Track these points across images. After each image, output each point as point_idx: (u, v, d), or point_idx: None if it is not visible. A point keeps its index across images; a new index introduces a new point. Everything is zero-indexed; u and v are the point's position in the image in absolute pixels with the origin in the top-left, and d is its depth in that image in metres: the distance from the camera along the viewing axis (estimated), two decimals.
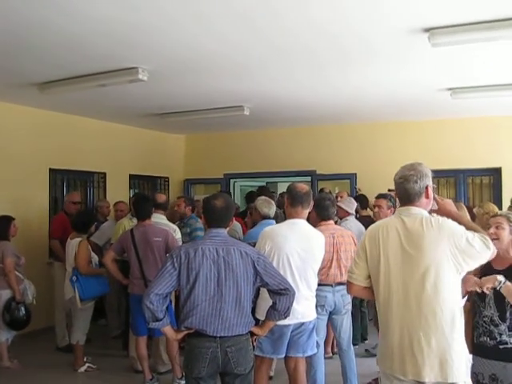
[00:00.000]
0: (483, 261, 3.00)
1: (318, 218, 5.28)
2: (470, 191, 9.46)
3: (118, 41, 4.86)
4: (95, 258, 6.20)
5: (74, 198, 7.65)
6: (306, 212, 4.39)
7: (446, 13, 4.18)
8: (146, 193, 10.27)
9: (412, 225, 3.00)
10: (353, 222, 6.64)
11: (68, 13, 4.13)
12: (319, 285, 5.03)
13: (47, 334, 7.15)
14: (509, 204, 7.13)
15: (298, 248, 4.21)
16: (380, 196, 6.16)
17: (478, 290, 3.30)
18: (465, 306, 3.26)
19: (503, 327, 3.40)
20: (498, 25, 4.26)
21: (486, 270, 3.42)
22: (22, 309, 6.03)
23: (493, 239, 3.21)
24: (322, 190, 8.62)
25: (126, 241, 5.60)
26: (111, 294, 6.92)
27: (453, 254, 2.88)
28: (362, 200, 7.67)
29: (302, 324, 4.31)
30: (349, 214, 6.70)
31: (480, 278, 3.36)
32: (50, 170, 8.29)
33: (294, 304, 3.73)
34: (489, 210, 6.34)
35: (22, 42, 4.83)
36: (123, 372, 6.14)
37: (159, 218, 6.08)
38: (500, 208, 7.03)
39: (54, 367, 6.24)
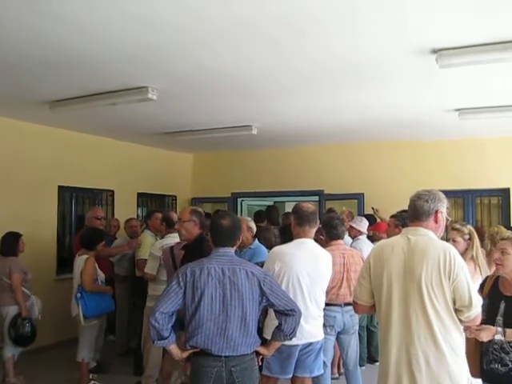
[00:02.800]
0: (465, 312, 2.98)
1: (327, 237, 5.29)
2: (478, 212, 9.41)
3: (128, 60, 4.91)
4: (101, 275, 6.17)
5: (98, 213, 7.52)
6: (313, 231, 4.40)
7: (453, 34, 4.21)
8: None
9: (417, 244, 3.05)
10: (364, 242, 6.64)
11: (80, 32, 4.19)
12: (329, 305, 5.03)
13: (53, 350, 7.14)
14: None
15: (307, 267, 4.20)
16: (392, 216, 6.16)
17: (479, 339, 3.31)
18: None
19: None
20: (506, 46, 4.28)
21: (493, 296, 3.42)
22: (28, 325, 6.02)
23: (497, 265, 3.30)
24: (330, 209, 8.61)
25: (165, 259, 5.39)
26: (123, 311, 6.91)
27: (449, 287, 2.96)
28: (369, 220, 7.65)
29: (310, 344, 4.29)
30: (361, 233, 6.71)
31: (487, 303, 3.35)
32: (59, 187, 8.33)
33: (303, 323, 3.75)
34: (498, 231, 6.35)
35: (33, 59, 4.89)
36: None
37: (175, 237, 5.85)
38: (509, 229, 6.97)
39: None
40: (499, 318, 3.39)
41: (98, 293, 5.98)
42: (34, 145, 7.86)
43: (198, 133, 8.47)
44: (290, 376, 4.33)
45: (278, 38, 4.33)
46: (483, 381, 3.49)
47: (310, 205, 4.45)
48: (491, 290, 3.51)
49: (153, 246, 6.11)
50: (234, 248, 3.64)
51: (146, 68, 5.19)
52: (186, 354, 3.48)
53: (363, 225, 6.83)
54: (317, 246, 4.46)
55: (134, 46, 4.52)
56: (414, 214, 3.21)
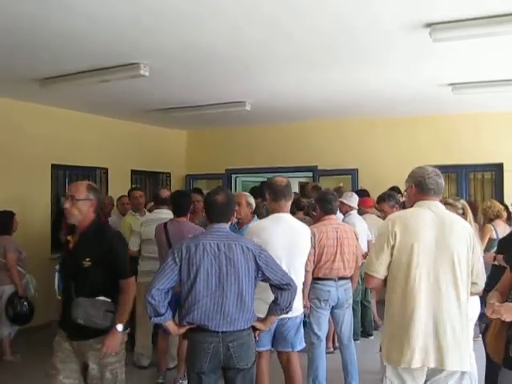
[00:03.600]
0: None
1: (321, 212, 5.32)
2: (471, 187, 9.46)
3: (119, 37, 4.86)
4: None
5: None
6: (289, 205, 4.33)
7: (447, 8, 4.18)
8: (148, 188, 10.33)
9: (444, 217, 3.25)
10: (356, 217, 6.67)
11: (70, 9, 4.14)
12: (323, 279, 5.07)
13: (48, 329, 7.16)
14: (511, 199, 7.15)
15: (285, 242, 4.15)
16: (380, 200, 6.16)
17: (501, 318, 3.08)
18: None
19: None
20: (499, 20, 4.27)
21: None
22: (25, 303, 6.05)
23: None
24: (315, 186, 8.58)
25: (158, 234, 5.45)
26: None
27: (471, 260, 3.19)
28: (363, 195, 7.67)
29: (289, 319, 4.23)
30: (352, 208, 6.73)
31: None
32: (52, 165, 8.30)
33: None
34: (491, 205, 6.41)
35: (23, 37, 4.84)
36: (125, 367, 6.13)
37: (166, 214, 5.94)
38: (502, 204, 7.02)
39: None
40: None
41: None
42: (26, 123, 7.80)
43: (191, 109, 8.43)
44: (266, 348, 4.28)
45: (271, 13, 4.29)
46: (508, 369, 3.14)
47: (283, 178, 4.38)
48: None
49: (134, 223, 6.12)
50: (229, 223, 3.65)
51: (138, 44, 5.13)
52: (182, 330, 3.50)
53: (353, 200, 6.84)
54: (294, 219, 4.43)
55: (125, 22, 4.48)
56: (438, 190, 3.32)
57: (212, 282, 3.38)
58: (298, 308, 4.28)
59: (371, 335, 7.18)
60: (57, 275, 5.57)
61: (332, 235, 5.09)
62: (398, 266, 3.18)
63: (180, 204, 5.48)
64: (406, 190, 3.56)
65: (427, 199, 3.31)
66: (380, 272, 3.24)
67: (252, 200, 5.49)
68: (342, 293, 5.16)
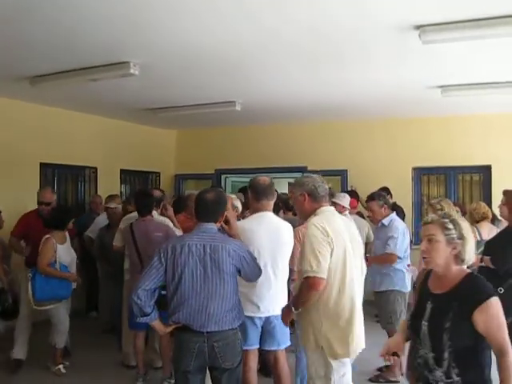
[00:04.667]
0: None
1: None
2: (459, 189, 9.51)
3: (109, 35, 4.85)
4: (64, 258, 5.78)
5: (46, 197, 6.48)
6: (272, 204, 4.31)
7: (436, 10, 4.20)
8: (137, 188, 10.29)
9: (346, 220, 3.89)
10: (350, 218, 6.73)
11: (59, 7, 4.12)
12: None
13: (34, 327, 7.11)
14: (499, 201, 7.19)
15: (268, 241, 4.14)
16: (369, 199, 6.19)
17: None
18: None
19: (439, 373, 2.62)
20: (488, 23, 4.29)
21: (423, 296, 2.84)
22: (10, 299, 6.00)
23: (423, 258, 2.74)
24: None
25: (126, 234, 5.54)
26: (107, 288, 6.89)
27: None
28: (352, 196, 7.69)
29: (275, 317, 4.20)
30: (345, 209, 6.77)
31: (415, 303, 2.90)
32: (41, 164, 8.26)
33: (266, 296, 4.04)
34: (476, 207, 6.43)
35: (12, 34, 4.81)
36: (114, 367, 6.12)
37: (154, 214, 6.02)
38: (490, 206, 7.07)
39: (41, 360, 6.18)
40: (424, 323, 2.69)
41: (55, 277, 5.62)
42: (15, 121, 7.76)
43: (181, 109, 8.41)
44: (254, 347, 4.26)
45: (259, 12, 4.30)
46: None
47: (266, 178, 4.37)
48: (419, 290, 2.93)
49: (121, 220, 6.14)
50: (218, 224, 3.63)
51: (128, 43, 5.13)
52: (169, 329, 3.52)
53: (346, 200, 6.88)
54: (277, 218, 4.41)
55: (115, 21, 4.47)
56: (326, 196, 3.67)
57: (197, 283, 3.39)
58: (284, 303, 4.29)
59: None
60: (30, 284, 5.59)
61: None
62: (335, 267, 3.40)
63: (143, 203, 5.58)
64: (291, 198, 4.01)
65: (324, 205, 3.64)
66: (325, 273, 3.36)
67: (238, 203, 5.43)
68: None
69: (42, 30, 4.68)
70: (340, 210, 6.79)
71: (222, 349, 3.40)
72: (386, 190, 7.43)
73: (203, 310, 3.37)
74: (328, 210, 3.64)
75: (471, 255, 2.70)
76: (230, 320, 3.45)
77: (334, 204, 6.68)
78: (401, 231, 5.63)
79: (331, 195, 6.81)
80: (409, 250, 5.81)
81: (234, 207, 5.27)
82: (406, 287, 5.63)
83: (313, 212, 3.60)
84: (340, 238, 3.45)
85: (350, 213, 7.26)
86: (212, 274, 3.39)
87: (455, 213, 4.33)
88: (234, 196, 5.62)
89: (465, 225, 2.73)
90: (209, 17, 4.40)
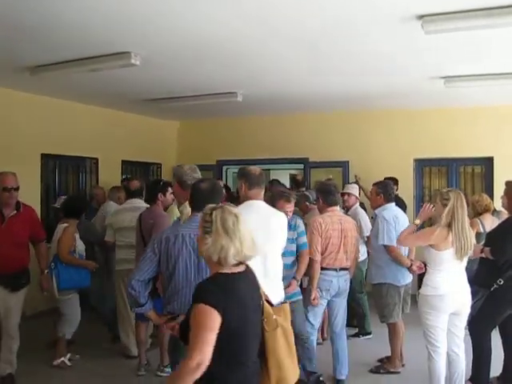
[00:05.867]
0: None
1: (324, 203, 5.40)
2: (461, 181, 9.50)
3: (110, 25, 4.82)
4: (81, 247, 5.88)
5: (6, 182, 5.16)
6: (262, 193, 4.31)
7: (439, 0, 4.18)
8: (138, 179, 10.27)
9: None
10: (361, 209, 6.78)
11: None
12: (325, 269, 5.19)
13: (36, 320, 7.12)
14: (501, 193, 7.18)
15: (259, 229, 4.13)
16: (373, 184, 6.17)
17: None
18: None
19: None
20: (491, 12, 4.26)
21: None
22: None
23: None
24: (273, 180, 8.73)
25: (136, 223, 5.53)
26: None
27: None
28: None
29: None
30: (357, 200, 6.80)
31: None
32: (42, 155, 8.26)
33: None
34: (479, 199, 6.43)
35: (13, 25, 4.78)
36: (114, 357, 6.14)
37: (138, 203, 6.11)
38: (491, 198, 7.07)
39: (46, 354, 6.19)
40: None
41: (75, 265, 5.69)
42: (16, 112, 7.74)
43: (183, 99, 8.39)
44: None
45: (261, 4, 4.28)
46: None
47: (257, 167, 4.38)
48: None
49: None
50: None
51: (129, 33, 5.10)
52: (164, 320, 3.52)
53: (356, 191, 6.94)
54: (267, 207, 4.34)
55: (116, 10, 4.43)
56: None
57: (191, 273, 3.40)
58: (280, 294, 4.28)
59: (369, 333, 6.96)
60: (53, 274, 5.59)
61: (337, 227, 5.22)
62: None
63: (148, 193, 5.77)
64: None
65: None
66: None
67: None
68: (343, 283, 5.28)
69: (42, 20, 4.66)
70: (354, 201, 6.84)
71: None
72: (393, 180, 7.38)
73: None
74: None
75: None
76: None
77: (347, 195, 6.75)
78: (389, 220, 5.51)
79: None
80: None
81: None
82: (398, 281, 5.51)
83: None
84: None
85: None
86: (205, 263, 3.39)
87: (460, 203, 4.32)
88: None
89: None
90: (210, 7, 4.37)
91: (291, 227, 4.88)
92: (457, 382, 4.56)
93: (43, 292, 5.63)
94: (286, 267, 4.54)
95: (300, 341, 4.87)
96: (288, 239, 4.50)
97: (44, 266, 5.58)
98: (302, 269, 5.08)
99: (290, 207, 5.05)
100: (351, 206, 6.85)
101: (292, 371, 2.86)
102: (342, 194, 6.87)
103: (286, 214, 4.61)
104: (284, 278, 4.40)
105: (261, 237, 4.12)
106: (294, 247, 5.01)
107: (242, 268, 2.62)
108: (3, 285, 5.14)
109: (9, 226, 5.14)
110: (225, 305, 2.42)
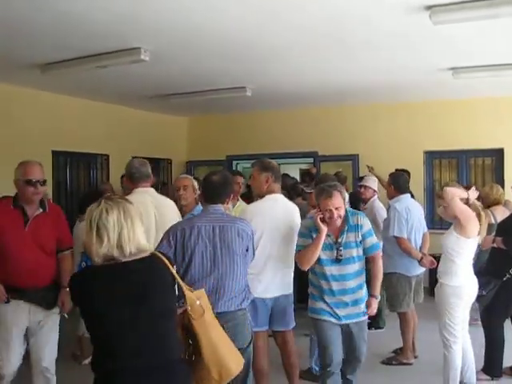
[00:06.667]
0: None
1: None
2: (471, 173, 9.46)
3: (120, 21, 4.85)
4: None
5: (31, 174, 4.18)
6: (280, 186, 4.43)
7: None
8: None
9: None
10: (379, 202, 6.75)
11: None
12: None
13: None
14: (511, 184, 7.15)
15: (282, 223, 4.21)
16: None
17: None
18: None
19: None
20: (500, 2, 4.25)
21: None
22: None
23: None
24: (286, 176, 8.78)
25: None
26: None
27: None
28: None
29: (285, 296, 4.27)
30: (376, 193, 6.75)
31: None
32: (53, 152, 8.31)
33: (272, 278, 4.10)
34: (490, 192, 6.36)
35: (23, 22, 4.83)
36: None
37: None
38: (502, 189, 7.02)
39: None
40: None
41: None
42: (27, 110, 7.80)
43: (192, 95, 8.42)
44: (264, 328, 4.26)
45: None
46: None
47: (273, 161, 4.46)
48: None
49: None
50: (225, 205, 3.66)
51: (139, 29, 5.13)
52: (179, 312, 3.53)
53: (376, 184, 6.86)
54: (287, 200, 4.50)
55: (125, 6, 4.46)
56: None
57: (207, 264, 3.42)
58: (291, 285, 4.34)
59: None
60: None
61: None
62: None
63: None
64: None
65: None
66: None
67: (197, 184, 5.07)
68: None
69: (51, 17, 4.70)
70: (371, 194, 6.77)
71: (233, 329, 3.39)
72: (405, 172, 7.31)
73: (213, 291, 3.39)
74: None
75: None
76: (239, 301, 3.49)
77: (364, 187, 6.71)
78: (401, 212, 5.50)
79: (340, 179, 6.81)
80: (416, 234, 5.67)
81: (195, 189, 5.03)
82: (409, 271, 5.50)
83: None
84: None
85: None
86: (222, 255, 3.43)
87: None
88: (191, 177, 5.41)
89: None
90: (218, 1, 4.39)
91: (351, 228, 3.97)
92: (468, 373, 4.56)
93: (63, 313, 4.20)
94: (347, 278, 3.92)
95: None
96: (347, 243, 3.93)
97: (66, 281, 3.67)
98: (379, 279, 4.13)
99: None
100: (368, 198, 6.73)
101: (233, 359, 2.73)
102: (359, 187, 6.90)
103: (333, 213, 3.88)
104: (346, 292, 3.93)
105: (284, 229, 4.20)
106: (355, 252, 3.98)
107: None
108: (32, 302, 3.97)
109: (34, 228, 3.99)
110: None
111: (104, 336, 2.39)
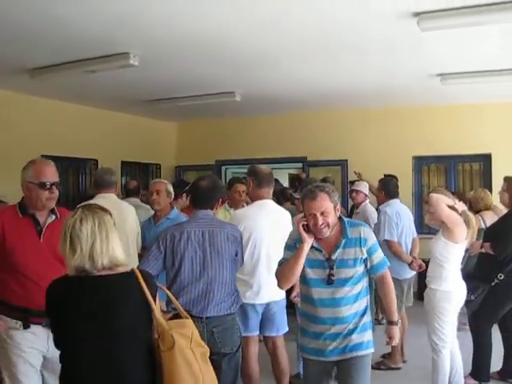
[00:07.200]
0: None
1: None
2: (459, 178, 9.52)
3: (109, 26, 4.85)
4: None
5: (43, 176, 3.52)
6: (271, 192, 4.38)
7: None
8: (137, 179, 10.31)
9: None
10: (370, 208, 6.73)
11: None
12: None
13: None
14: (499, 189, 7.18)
15: (269, 229, 4.20)
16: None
17: None
18: None
19: None
20: (487, 9, 4.29)
21: None
22: None
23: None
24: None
25: None
26: None
27: None
28: None
29: (275, 302, 4.26)
30: (367, 197, 6.74)
31: None
32: (43, 156, 8.25)
33: (263, 284, 4.08)
34: (484, 196, 6.41)
35: (11, 27, 4.82)
36: None
37: (133, 202, 6.07)
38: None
39: None
40: None
41: None
42: (15, 114, 7.76)
43: (181, 100, 8.43)
44: (254, 333, 4.27)
45: (259, 4, 4.31)
46: None
47: (266, 167, 4.47)
48: None
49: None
50: (214, 210, 3.66)
51: (128, 34, 5.13)
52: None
53: (365, 188, 6.86)
54: (276, 205, 4.48)
55: (114, 11, 4.46)
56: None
57: (196, 269, 3.43)
58: (279, 293, 4.28)
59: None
60: None
61: None
62: None
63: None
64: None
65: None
66: None
67: (172, 189, 5.05)
68: None
69: (40, 22, 4.69)
70: (362, 199, 6.77)
71: (221, 334, 3.42)
72: (394, 177, 7.33)
73: (203, 295, 3.41)
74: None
75: None
76: (228, 305, 3.49)
77: (355, 192, 6.71)
78: (391, 216, 5.58)
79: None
80: (407, 238, 5.74)
81: (169, 193, 4.98)
82: (400, 274, 5.50)
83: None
84: None
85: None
86: (211, 259, 3.44)
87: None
88: (166, 181, 5.31)
89: None
90: (208, 7, 4.41)
91: (350, 242, 3.20)
92: (456, 377, 4.58)
93: None
94: (341, 303, 3.16)
95: None
96: (343, 261, 3.17)
97: None
98: (393, 301, 3.47)
99: None
100: (360, 203, 6.76)
101: None
102: (350, 191, 6.92)
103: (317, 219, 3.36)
104: (338, 321, 3.17)
105: (273, 235, 4.19)
106: (353, 272, 3.19)
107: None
108: None
109: (49, 238, 3.35)
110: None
111: (63, 352, 2.27)
